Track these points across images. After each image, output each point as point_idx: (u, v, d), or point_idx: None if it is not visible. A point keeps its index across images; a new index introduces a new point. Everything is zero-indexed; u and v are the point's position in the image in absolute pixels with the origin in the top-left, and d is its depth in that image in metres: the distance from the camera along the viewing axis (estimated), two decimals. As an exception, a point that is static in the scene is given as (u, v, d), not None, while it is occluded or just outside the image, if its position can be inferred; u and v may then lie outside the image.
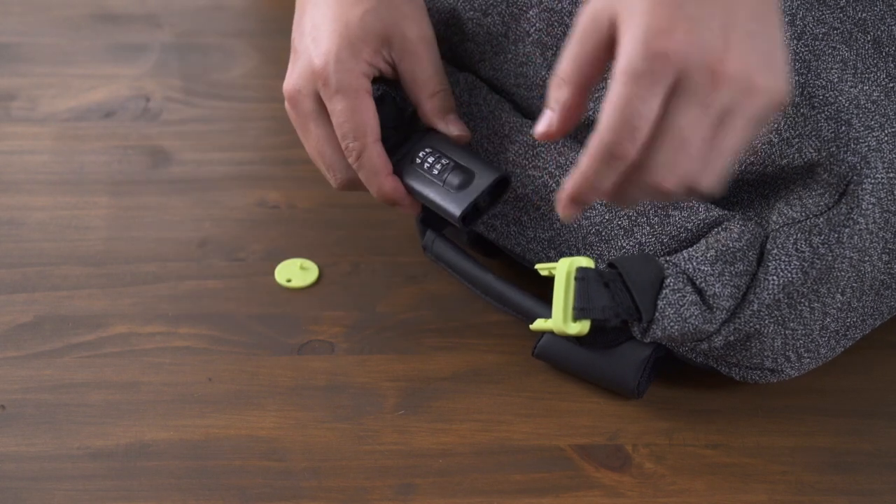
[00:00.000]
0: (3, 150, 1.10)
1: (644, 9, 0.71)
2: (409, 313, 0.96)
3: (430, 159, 0.87)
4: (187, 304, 0.96)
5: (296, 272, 0.98)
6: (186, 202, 1.05)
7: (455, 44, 0.95)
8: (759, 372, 0.86)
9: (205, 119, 1.14)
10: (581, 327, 0.82)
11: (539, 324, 0.85)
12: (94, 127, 1.12)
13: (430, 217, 0.90)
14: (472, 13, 0.93)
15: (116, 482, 0.83)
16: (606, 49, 0.73)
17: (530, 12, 0.91)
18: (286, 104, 0.89)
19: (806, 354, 0.86)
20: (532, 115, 0.93)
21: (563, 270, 0.82)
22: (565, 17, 0.90)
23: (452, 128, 0.88)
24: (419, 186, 0.87)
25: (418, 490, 0.83)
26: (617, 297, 0.81)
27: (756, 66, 0.72)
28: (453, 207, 0.85)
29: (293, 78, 0.87)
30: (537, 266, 0.85)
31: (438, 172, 0.86)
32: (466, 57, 0.95)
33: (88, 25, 1.25)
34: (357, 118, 0.85)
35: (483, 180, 0.85)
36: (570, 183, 0.74)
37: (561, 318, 0.82)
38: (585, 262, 0.82)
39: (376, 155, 0.86)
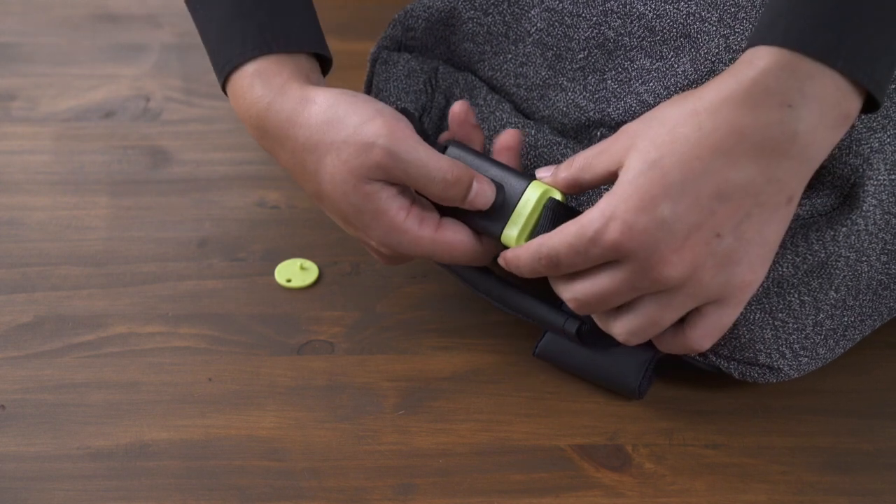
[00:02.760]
0: (3, 150, 1.10)
1: (626, 191, 0.75)
2: (409, 313, 0.96)
3: None
4: (187, 304, 0.96)
5: (296, 272, 0.98)
6: (186, 202, 1.05)
7: (454, 43, 0.95)
8: (756, 369, 0.86)
9: (205, 119, 1.14)
10: None
11: (487, 220, 0.83)
12: (94, 127, 1.12)
13: None
14: (472, 12, 0.93)
15: (116, 482, 0.83)
16: (608, 177, 0.78)
17: (531, 12, 0.91)
18: None
19: (802, 352, 0.86)
20: (532, 115, 0.93)
21: (534, 195, 0.82)
22: (566, 17, 0.90)
23: (477, 203, 0.83)
24: (454, 211, 0.85)
25: (418, 490, 0.83)
26: None
27: (720, 278, 0.76)
28: (494, 227, 0.84)
29: (381, 260, 0.88)
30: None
31: None
32: (466, 56, 0.95)
33: (88, 25, 1.25)
34: (448, 255, 0.84)
35: (514, 193, 0.84)
36: (510, 255, 0.81)
37: (515, 236, 0.82)
38: (559, 195, 0.82)
39: (487, 249, 0.85)
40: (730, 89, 0.75)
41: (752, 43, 0.76)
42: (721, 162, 0.74)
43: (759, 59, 0.74)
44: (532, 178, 0.84)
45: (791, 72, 0.74)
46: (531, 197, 0.82)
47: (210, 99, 1.16)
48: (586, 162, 0.79)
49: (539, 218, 0.82)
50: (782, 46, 0.74)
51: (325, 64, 0.89)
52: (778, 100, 0.74)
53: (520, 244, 0.82)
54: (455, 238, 0.84)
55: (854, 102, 0.75)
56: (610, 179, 0.78)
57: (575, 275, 0.79)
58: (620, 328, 0.80)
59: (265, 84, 0.84)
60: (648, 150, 0.75)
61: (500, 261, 0.82)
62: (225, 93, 0.88)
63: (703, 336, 0.79)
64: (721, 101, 0.74)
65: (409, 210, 0.83)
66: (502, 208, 0.83)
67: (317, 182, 0.83)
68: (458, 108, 0.86)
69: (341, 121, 0.82)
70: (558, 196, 0.82)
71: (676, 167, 0.74)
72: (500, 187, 0.84)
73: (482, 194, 0.83)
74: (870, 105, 0.76)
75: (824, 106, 0.74)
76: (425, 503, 0.82)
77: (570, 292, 0.79)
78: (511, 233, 0.82)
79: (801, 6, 0.75)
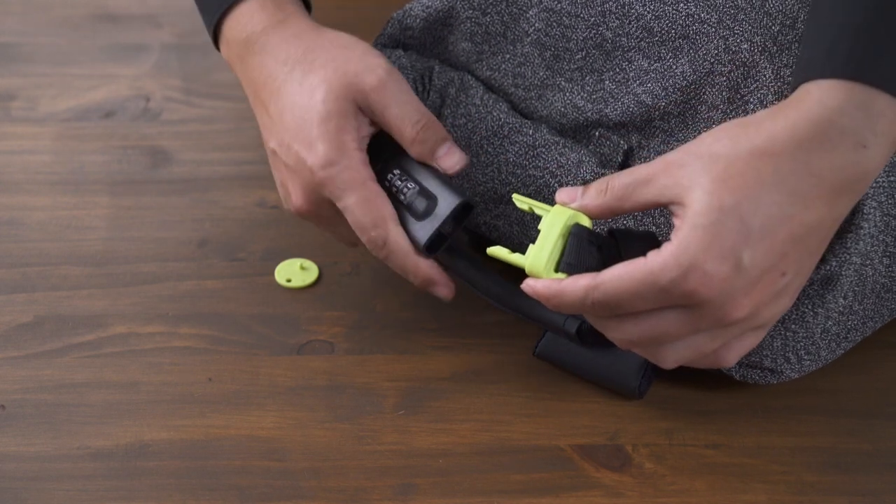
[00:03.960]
0: (3, 150, 1.10)
1: (703, 239, 0.72)
2: (409, 313, 0.96)
3: (399, 182, 0.85)
4: (187, 304, 0.96)
5: (296, 272, 0.98)
6: (186, 202, 1.05)
7: (452, 43, 0.95)
8: (758, 371, 0.86)
9: (205, 119, 1.14)
10: (557, 276, 0.79)
11: (501, 253, 0.81)
12: (94, 127, 1.12)
13: None
14: (470, 12, 0.93)
15: (116, 482, 0.83)
16: (650, 207, 0.75)
17: (530, 12, 0.91)
18: (303, 217, 0.88)
19: (806, 357, 0.86)
20: (530, 115, 0.93)
21: (559, 220, 0.78)
22: (564, 18, 0.90)
23: (445, 163, 0.85)
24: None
25: (418, 490, 0.83)
26: (607, 264, 0.77)
27: (773, 310, 0.75)
28: (419, 236, 0.84)
29: (300, 197, 0.86)
30: (514, 197, 0.82)
31: (405, 197, 0.85)
32: (463, 56, 0.95)
33: (88, 25, 1.25)
34: (372, 208, 0.83)
35: (444, 208, 0.84)
36: (543, 288, 0.77)
37: (542, 264, 0.78)
38: (586, 220, 0.79)
39: (402, 237, 0.84)
40: (805, 129, 0.72)
41: (812, 73, 0.73)
42: (798, 207, 0.72)
43: (830, 98, 0.72)
44: (463, 194, 0.84)
45: (865, 111, 0.72)
46: (557, 222, 0.79)
47: (210, 99, 1.16)
48: (626, 191, 0.76)
49: (566, 244, 0.79)
50: (848, 78, 0.72)
51: None
52: (852, 140, 0.72)
53: (549, 274, 0.78)
54: (381, 197, 0.84)
55: None
56: (650, 208, 0.76)
57: (626, 314, 0.76)
58: (667, 358, 0.77)
59: (276, 8, 0.87)
60: (720, 194, 0.72)
61: (528, 290, 0.78)
62: (215, 40, 0.89)
63: (736, 356, 0.78)
64: (797, 143, 0.72)
65: (361, 150, 0.84)
66: (430, 220, 0.84)
67: (291, 93, 0.84)
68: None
69: (352, 45, 0.85)
70: (585, 222, 0.79)
71: (756, 213, 0.72)
72: (434, 199, 0.84)
73: (452, 153, 0.84)
74: None
75: (890, 140, 0.73)
76: (425, 503, 0.82)
77: (621, 333, 0.77)
78: (538, 260, 0.78)
79: (857, 33, 0.73)
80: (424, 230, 0.84)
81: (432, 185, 0.85)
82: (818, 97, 0.72)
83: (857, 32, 0.73)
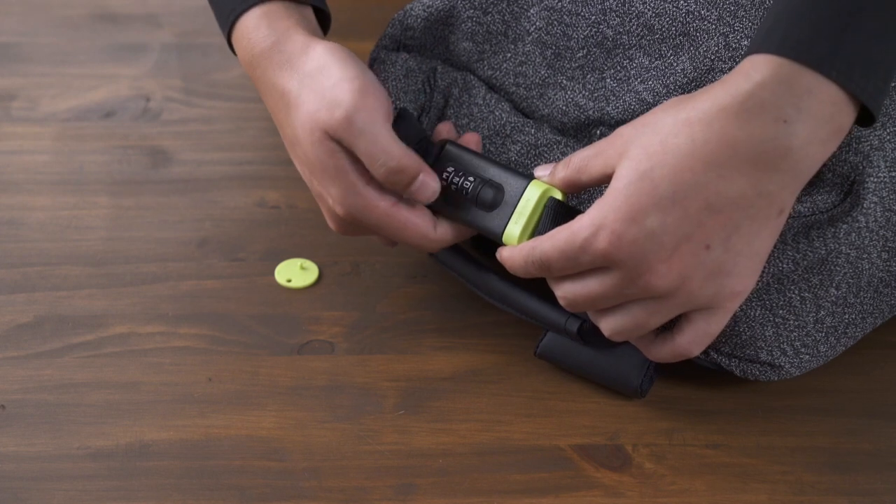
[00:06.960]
0: (3, 150, 1.10)
1: (616, 201, 0.75)
2: (409, 313, 0.96)
3: (457, 178, 0.86)
4: (187, 304, 0.96)
5: (296, 272, 0.98)
6: (186, 202, 1.05)
7: (453, 42, 0.95)
8: (757, 366, 0.86)
9: (205, 119, 1.14)
10: None
11: (487, 219, 0.85)
12: (94, 127, 1.12)
13: None
14: (471, 11, 0.93)
15: (116, 482, 0.83)
16: (603, 179, 0.79)
17: (530, 11, 0.91)
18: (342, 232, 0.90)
19: (803, 349, 0.86)
20: (531, 114, 0.93)
21: (535, 193, 0.83)
22: (565, 16, 0.90)
23: (419, 197, 0.85)
24: (453, 209, 0.86)
25: (418, 490, 0.83)
26: None
27: (709, 289, 0.77)
28: (493, 225, 0.85)
29: (332, 223, 0.89)
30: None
31: (468, 192, 0.85)
32: (465, 56, 0.95)
33: (88, 25, 1.25)
34: (405, 233, 0.86)
35: (514, 192, 0.85)
36: (505, 255, 0.83)
37: (516, 235, 0.83)
38: (560, 195, 0.83)
39: (445, 233, 0.87)
40: (725, 101, 0.74)
41: (751, 50, 0.76)
42: (712, 175, 0.74)
43: (756, 71, 0.74)
44: (531, 177, 0.84)
45: (788, 86, 0.74)
46: (532, 196, 0.83)
47: (210, 99, 1.16)
48: (582, 163, 0.80)
49: (540, 217, 0.82)
50: (778, 55, 0.74)
51: (325, 24, 0.92)
52: (773, 115, 0.74)
53: (523, 241, 0.83)
54: (409, 218, 0.85)
55: (848, 115, 0.75)
56: (605, 181, 0.79)
57: (566, 275, 0.80)
58: (607, 325, 0.81)
59: (271, 25, 0.87)
60: (640, 160, 0.75)
61: (498, 257, 0.83)
62: (230, 44, 0.90)
63: (692, 342, 0.80)
64: (715, 113, 0.74)
65: (371, 179, 0.84)
66: (503, 208, 0.84)
67: (294, 126, 0.85)
68: (442, 128, 0.90)
69: (327, 72, 0.84)
70: (559, 195, 0.83)
71: (667, 179, 0.74)
72: (499, 187, 0.84)
73: (425, 188, 0.84)
74: (865, 118, 0.76)
75: (819, 121, 0.74)
76: (425, 503, 0.82)
77: (562, 291, 0.81)
78: (513, 232, 0.83)
79: (800, 14, 0.75)
80: (500, 219, 0.84)
81: (492, 174, 0.85)
82: (746, 70, 0.75)
83: (801, 13, 0.75)
